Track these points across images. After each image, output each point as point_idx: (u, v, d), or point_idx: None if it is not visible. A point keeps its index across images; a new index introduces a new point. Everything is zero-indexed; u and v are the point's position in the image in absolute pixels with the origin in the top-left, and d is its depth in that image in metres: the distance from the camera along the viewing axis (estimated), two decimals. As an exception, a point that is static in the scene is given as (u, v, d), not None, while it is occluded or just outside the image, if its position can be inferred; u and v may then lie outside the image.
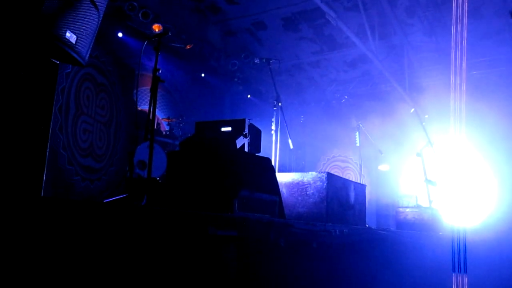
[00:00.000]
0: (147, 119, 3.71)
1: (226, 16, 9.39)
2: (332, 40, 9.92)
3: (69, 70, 5.39)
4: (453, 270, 4.75)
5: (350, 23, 8.41)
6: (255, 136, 4.21)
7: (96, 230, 2.00)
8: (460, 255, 4.77)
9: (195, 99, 10.70)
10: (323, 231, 3.76)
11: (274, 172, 4.12)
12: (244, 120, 4.04)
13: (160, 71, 3.59)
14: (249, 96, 12.13)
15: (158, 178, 6.79)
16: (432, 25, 8.89)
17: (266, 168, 3.92)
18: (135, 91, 7.63)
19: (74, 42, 2.68)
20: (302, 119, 12.98)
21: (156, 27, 8.38)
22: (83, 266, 1.90)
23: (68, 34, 2.61)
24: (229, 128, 4.07)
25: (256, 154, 4.19)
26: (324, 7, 7.23)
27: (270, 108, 6.45)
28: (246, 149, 4.02)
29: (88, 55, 2.94)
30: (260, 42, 10.25)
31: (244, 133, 3.95)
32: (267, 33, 9.85)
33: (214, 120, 4.45)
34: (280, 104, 5.99)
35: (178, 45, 9.27)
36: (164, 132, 8.50)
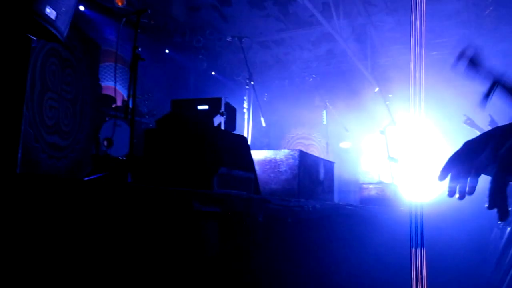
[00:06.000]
0: (127, 97, 3.67)
1: (191, -10, 9.27)
2: (297, 18, 9.96)
3: (34, 45, 5.20)
4: (411, 244, 5.00)
5: (315, 1, 8.47)
6: (231, 114, 4.26)
7: (81, 207, 2.00)
8: (417, 230, 5.03)
9: (159, 76, 10.53)
10: (297, 207, 3.89)
11: (250, 149, 4.19)
12: (220, 99, 4.07)
13: (139, 49, 3.55)
14: (213, 73, 12.07)
15: (122, 156, 6.75)
16: (394, 4, 9.05)
17: (242, 146, 3.98)
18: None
19: (54, 18, 2.62)
20: (265, 96, 13.04)
21: (119, 1, 8.15)
22: (67, 243, 1.92)
23: (48, 10, 2.56)
24: (206, 106, 4.09)
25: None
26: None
27: (234, 85, 6.47)
28: (222, 127, 4.07)
29: (66, 32, 2.88)
30: (225, 19, 10.16)
31: (220, 111, 3.99)
32: (232, 9, 9.74)
33: (187, 98, 4.46)
34: (252, 82, 6.02)
35: (142, 20, 9.05)
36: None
